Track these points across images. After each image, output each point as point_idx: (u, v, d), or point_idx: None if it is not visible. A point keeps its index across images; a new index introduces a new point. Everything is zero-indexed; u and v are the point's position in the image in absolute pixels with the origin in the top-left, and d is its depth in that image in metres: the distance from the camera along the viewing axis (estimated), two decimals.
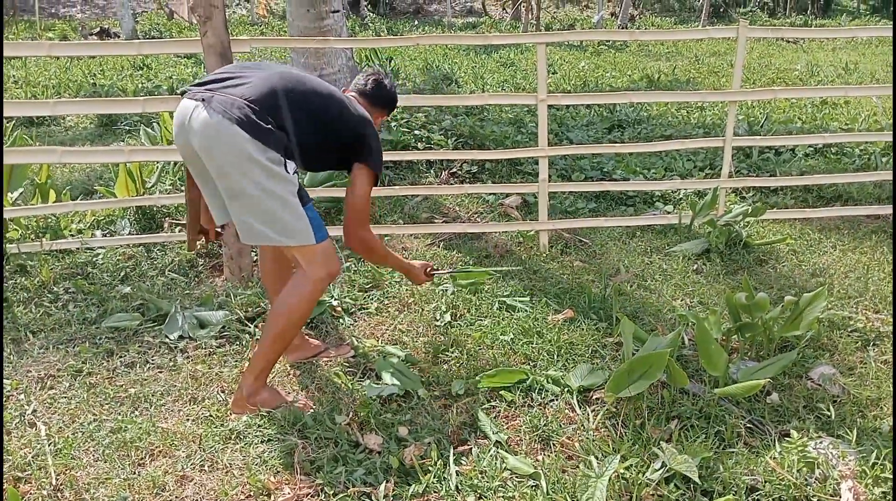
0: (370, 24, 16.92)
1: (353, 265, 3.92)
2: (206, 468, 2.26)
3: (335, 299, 3.37)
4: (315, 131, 2.39)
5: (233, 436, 2.38)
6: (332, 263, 2.44)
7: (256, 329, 3.10)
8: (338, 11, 6.04)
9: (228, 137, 2.21)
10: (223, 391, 2.68)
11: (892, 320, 3.21)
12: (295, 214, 2.33)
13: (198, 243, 2.84)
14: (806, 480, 2.17)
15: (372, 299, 3.48)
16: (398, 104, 2.93)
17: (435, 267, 3.04)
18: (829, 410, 2.53)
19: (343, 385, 2.70)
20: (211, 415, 2.51)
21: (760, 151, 5.86)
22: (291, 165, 2.34)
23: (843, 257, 4.04)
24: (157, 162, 4.78)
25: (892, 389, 2.69)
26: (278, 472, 2.21)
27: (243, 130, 2.21)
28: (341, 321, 3.26)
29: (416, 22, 19.00)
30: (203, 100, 2.27)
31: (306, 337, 2.99)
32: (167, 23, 16.77)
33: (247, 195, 2.27)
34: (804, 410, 2.56)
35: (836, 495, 2.11)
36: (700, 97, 4.78)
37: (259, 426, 2.41)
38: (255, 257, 3.93)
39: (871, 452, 2.25)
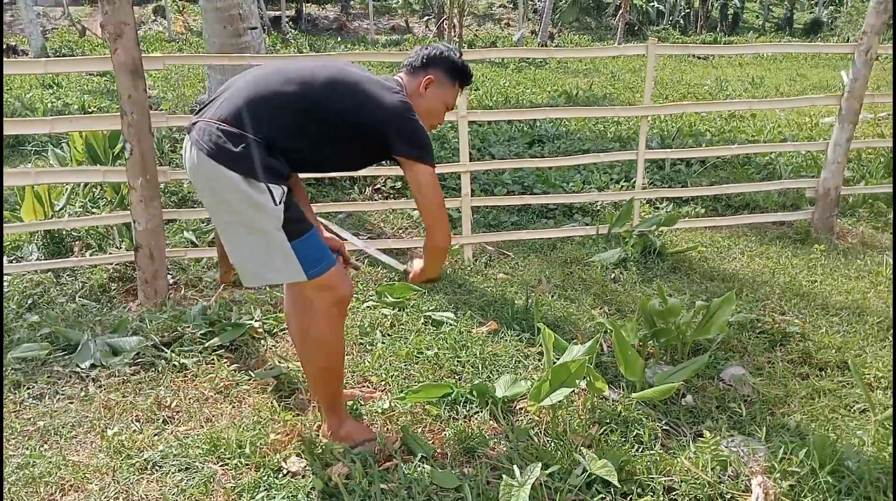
0: (292, 41, 16.78)
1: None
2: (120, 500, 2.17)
3: (256, 321, 3.31)
4: (322, 130, 2.12)
5: (148, 466, 2.30)
6: (332, 294, 2.20)
7: (173, 354, 3.01)
8: (255, 28, 5.97)
9: (205, 170, 2.04)
10: (138, 420, 2.59)
11: (799, 321, 3.38)
12: (281, 251, 2.10)
13: (232, 274, 2.65)
14: (719, 478, 2.25)
15: None
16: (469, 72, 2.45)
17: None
18: (740, 409, 2.64)
19: (266, 408, 2.65)
20: (125, 446, 2.41)
21: (672, 163, 6.09)
22: (278, 192, 2.06)
23: (751, 262, 4.24)
24: (67, 184, 4.61)
25: (856, 388, 2.83)
26: None
27: (216, 160, 2.01)
28: (263, 342, 3.20)
29: (339, 38, 18.96)
30: (188, 132, 2.13)
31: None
32: (79, 40, 16.20)
33: (229, 233, 2.13)
34: (717, 410, 2.66)
35: (748, 491, 2.20)
36: (614, 112, 4.95)
37: (176, 455, 2.33)
38: (172, 281, 3.84)
39: (780, 448, 2.35)
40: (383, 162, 2.31)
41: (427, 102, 2.35)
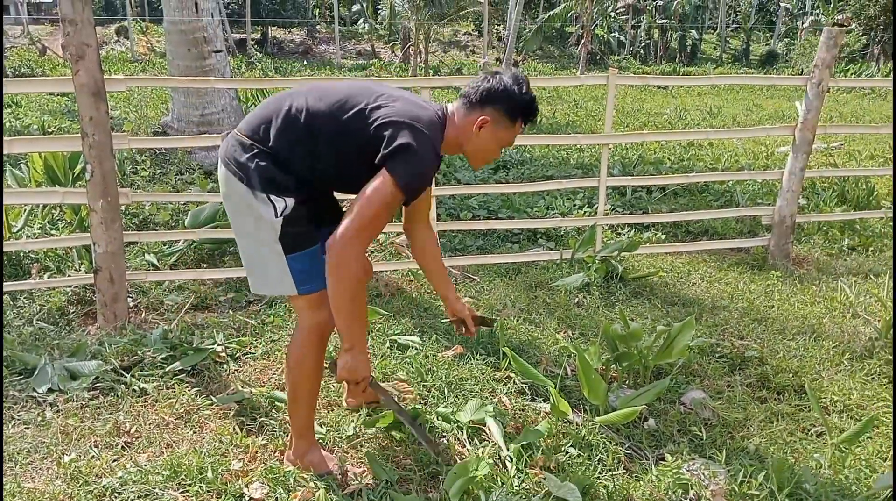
0: (257, 64, 16.75)
1: (237, 309, 3.83)
2: None
3: (219, 345, 3.27)
4: (325, 147, 2.08)
5: (107, 493, 2.25)
6: (318, 314, 2.21)
7: (133, 379, 2.95)
8: (220, 51, 5.97)
9: (222, 178, 2.14)
10: (96, 446, 2.53)
11: (753, 343, 3.46)
12: (277, 263, 2.12)
13: None
14: None
15: (258, 343, 3.40)
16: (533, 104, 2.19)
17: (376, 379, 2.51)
18: (700, 432, 2.68)
19: (228, 433, 2.61)
20: (83, 472, 2.35)
21: (634, 190, 6.21)
22: (281, 204, 2.07)
23: (710, 287, 4.32)
24: (25, 205, 4.52)
25: (811, 401, 2.88)
26: None
27: (227, 169, 2.11)
28: (225, 367, 3.16)
29: (305, 62, 18.99)
30: (222, 141, 2.22)
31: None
32: (39, 59, 15.96)
33: (238, 239, 2.20)
34: (678, 433, 2.70)
35: None
36: (576, 140, 5.04)
37: (135, 482, 2.28)
38: (132, 304, 3.77)
39: (739, 470, 2.39)
40: None
41: (480, 142, 2.20)
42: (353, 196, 2.07)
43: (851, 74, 18.88)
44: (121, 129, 7.73)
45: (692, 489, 2.32)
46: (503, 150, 2.30)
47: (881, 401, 2.97)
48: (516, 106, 2.17)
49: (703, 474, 2.39)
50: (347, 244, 1.97)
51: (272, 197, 2.06)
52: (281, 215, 2.06)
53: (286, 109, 2.09)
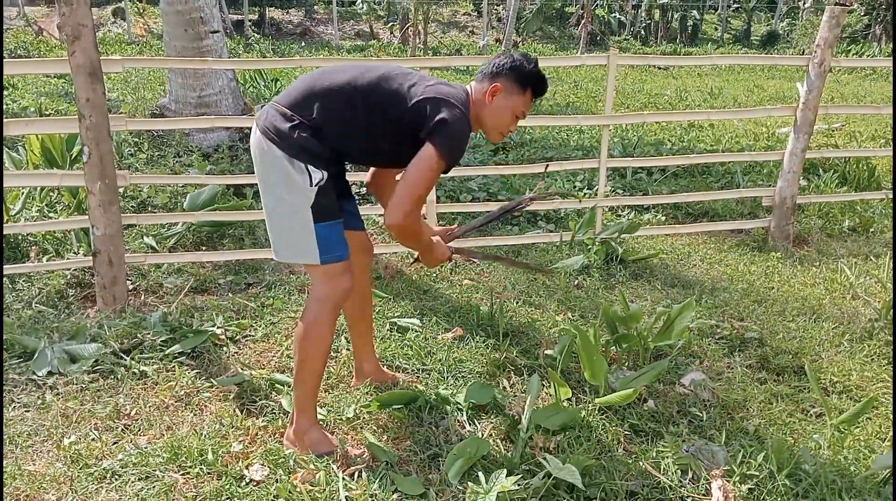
0: (255, 45, 16.62)
1: (236, 292, 3.82)
2: None
3: (219, 328, 3.27)
4: (363, 119, 2.23)
5: (108, 476, 2.26)
6: (336, 284, 2.29)
7: (133, 362, 2.95)
8: (217, 32, 5.91)
9: (257, 143, 2.24)
10: (97, 429, 2.53)
11: (754, 327, 3.46)
12: (304, 229, 2.23)
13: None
14: (680, 481, 2.29)
15: (258, 325, 3.40)
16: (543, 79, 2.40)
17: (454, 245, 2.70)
18: (700, 414, 2.68)
19: (228, 415, 2.62)
20: (83, 455, 2.36)
21: (634, 171, 6.18)
22: (318, 175, 2.19)
23: (710, 269, 4.32)
24: (22, 188, 4.49)
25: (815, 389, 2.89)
26: None
27: (266, 137, 2.21)
28: (225, 349, 3.16)
29: (303, 43, 18.85)
30: (257, 112, 2.34)
31: (383, 369, 2.92)
32: (35, 41, 15.83)
33: (267, 206, 2.28)
34: (678, 415, 2.71)
35: (708, 494, 2.24)
36: (576, 121, 5.00)
37: (136, 464, 2.29)
38: (131, 287, 3.77)
39: (739, 451, 2.40)
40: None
41: (494, 111, 2.38)
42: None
43: (853, 54, 18.75)
44: (118, 111, 7.69)
45: (692, 469, 2.33)
46: (517, 123, 2.48)
47: (881, 382, 2.97)
48: (525, 75, 2.36)
49: (703, 454, 2.40)
50: (408, 214, 2.18)
51: (309, 167, 2.18)
52: (315, 185, 2.19)
53: (328, 82, 2.23)
